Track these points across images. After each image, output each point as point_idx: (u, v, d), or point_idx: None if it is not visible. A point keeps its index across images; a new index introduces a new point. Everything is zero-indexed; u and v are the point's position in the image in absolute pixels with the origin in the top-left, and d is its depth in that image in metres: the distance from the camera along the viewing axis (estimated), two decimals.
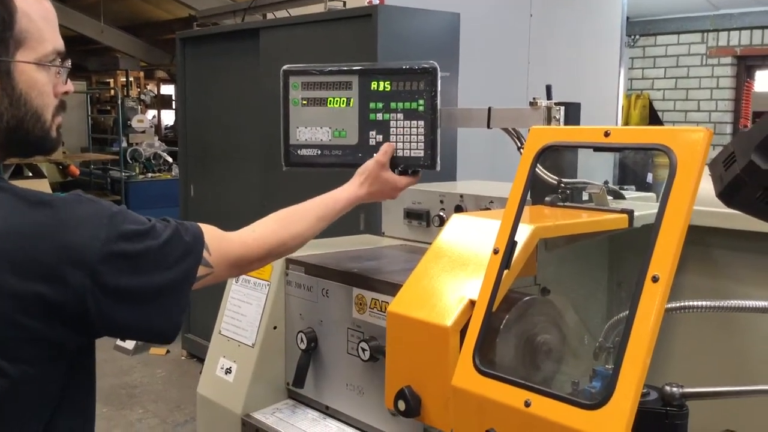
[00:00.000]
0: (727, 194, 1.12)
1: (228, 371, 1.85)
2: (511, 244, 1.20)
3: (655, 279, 1.00)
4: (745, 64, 8.65)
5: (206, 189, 5.33)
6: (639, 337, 0.99)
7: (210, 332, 1.97)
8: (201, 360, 5.11)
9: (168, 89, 14.59)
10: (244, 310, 1.87)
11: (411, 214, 2.06)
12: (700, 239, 1.65)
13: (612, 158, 6.53)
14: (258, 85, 4.87)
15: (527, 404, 1.07)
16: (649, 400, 1.09)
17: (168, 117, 14.43)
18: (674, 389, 1.09)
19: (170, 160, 8.83)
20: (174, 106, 13.30)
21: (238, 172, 5.12)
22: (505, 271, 1.20)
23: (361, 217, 4.17)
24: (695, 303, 1.14)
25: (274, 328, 1.82)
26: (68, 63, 1.23)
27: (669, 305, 1.09)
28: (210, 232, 1.34)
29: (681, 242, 1.01)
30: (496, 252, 1.22)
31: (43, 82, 1.19)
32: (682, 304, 1.14)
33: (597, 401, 1.01)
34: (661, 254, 1.00)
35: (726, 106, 8.49)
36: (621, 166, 7.07)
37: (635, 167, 6.84)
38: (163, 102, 14.42)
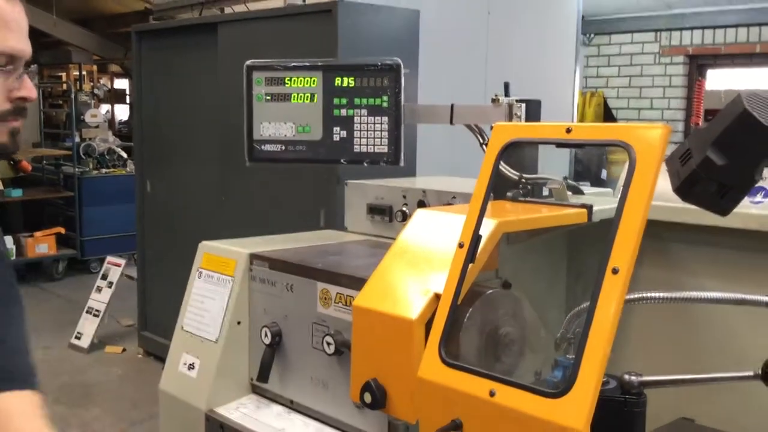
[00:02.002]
0: (684, 189, 1.16)
1: (191, 367, 1.84)
2: (476, 238, 1.22)
3: (615, 271, 1.04)
4: (697, 63, 8.86)
5: (163, 185, 5.27)
6: (600, 328, 1.02)
7: (167, 330, 1.96)
8: (158, 358, 5.05)
9: (122, 83, 14.35)
10: (208, 305, 1.86)
11: (374, 210, 2.07)
12: (657, 233, 1.70)
13: (568, 155, 6.63)
14: (216, 81, 4.83)
15: (492, 394, 1.10)
16: (609, 389, 1.13)
17: (122, 112, 14.19)
18: (633, 378, 1.13)
19: (125, 155, 8.68)
20: (128, 101, 13.08)
21: (196, 167, 5.08)
22: (470, 265, 1.23)
23: (321, 213, 4.18)
24: (653, 294, 1.18)
25: (238, 323, 1.82)
26: (32, 68, 1.20)
27: (628, 296, 1.13)
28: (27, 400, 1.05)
29: (640, 236, 1.04)
30: (461, 246, 1.24)
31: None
32: (641, 295, 1.18)
33: (559, 390, 1.04)
34: (621, 247, 1.03)
35: (678, 104, 8.68)
36: (576, 163, 7.19)
37: (590, 163, 6.97)
38: (116, 96, 14.18)
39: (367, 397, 1.35)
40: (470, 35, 5.14)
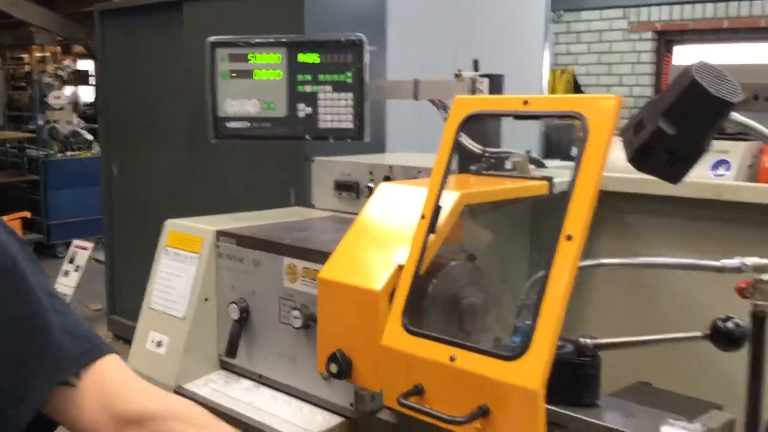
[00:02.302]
0: (637, 159, 1.20)
1: (159, 344, 1.85)
2: (437, 210, 1.25)
3: (569, 237, 1.07)
4: (665, 39, 8.96)
5: (130, 167, 5.22)
6: (554, 292, 1.06)
7: (136, 313, 1.96)
8: (127, 341, 5.00)
9: (86, 64, 14.11)
10: (175, 283, 1.87)
11: (341, 186, 2.09)
12: (614, 205, 1.74)
13: (537, 132, 6.69)
14: (182, 60, 4.78)
15: (452, 359, 1.13)
16: (565, 352, 1.17)
17: (86, 93, 13.97)
18: (588, 341, 1.16)
19: (90, 137, 8.57)
20: (92, 82, 12.86)
21: (163, 149, 5.04)
22: (432, 236, 1.25)
23: (291, 193, 4.18)
24: (606, 260, 1.22)
25: (206, 300, 1.83)
26: None
27: (582, 263, 1.16)
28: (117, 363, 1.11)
29: (593, 203, 1.07)
30: (423, 217, 1.27)
31: None
32: (595, 261, 1.22)
33: (516, 353, 1.07)
34: (575, 214, 1.07)
35: (647, 81, 8.78)
36: (546, 140, 7.25)
37: (560, 142, 7.04)
38: (80, 78, 13.95)
39: (333, 368, 1.38)
40: (439, 13, 5.14)
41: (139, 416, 1.07)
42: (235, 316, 1.75)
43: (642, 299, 1.64)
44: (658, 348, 1.52)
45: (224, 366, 1.85)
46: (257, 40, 1.79)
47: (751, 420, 1.28)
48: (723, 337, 1.13)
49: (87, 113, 9.91)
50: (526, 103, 1.21)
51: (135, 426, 1.07)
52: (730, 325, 1.14)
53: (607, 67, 9.04)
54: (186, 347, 1.81)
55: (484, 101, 1.41)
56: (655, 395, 1.37)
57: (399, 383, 1.20)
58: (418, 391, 1.17)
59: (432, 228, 1.24)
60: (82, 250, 5.67)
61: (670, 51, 8.81)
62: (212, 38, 1.81)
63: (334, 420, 1.58)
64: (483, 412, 1.09)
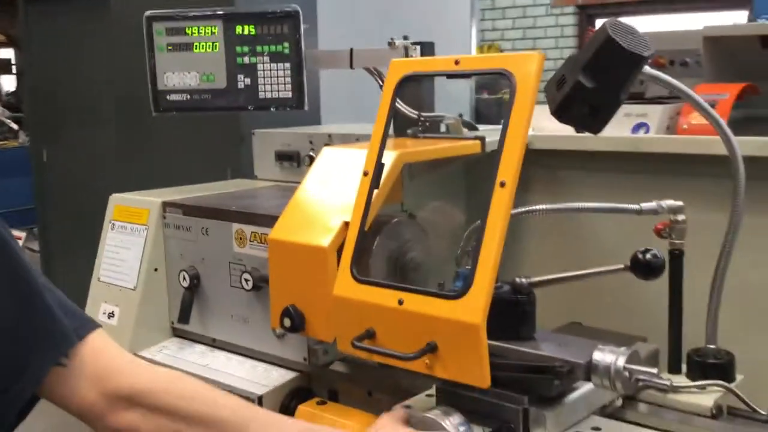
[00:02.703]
0: (560, 112, 1.30)
1: (111, 315, 1.88)
2: (379, 166, 1.32)
3: (502, 184, 1.16)
4: (586, 14, 9.22)
5: (60, 153, 5.13)
6: (491, 235, 1.15)
7: (74, 298, 1.97)
8: None
9: (7, 53, 13.61)
10: (123, 255, 1.90)
11: (282, 156, 2.15)
12: (543, 162, 1.85)
13: (468, 106, 6.84)
14: (109, 42, 4.70)
15: (400, 302, 1.22)
16: (503, 291, 1.26)
17: (8, 82, 13.50)
18: (523, 280, 1.26)
19: (15, 126, 8.33)
20: (14, 71, 12.44)
21: (94, 132, 4.96)
22: (375, 191, 1.33)
23: (227, 171, 4.19)
24: (536, 207, 1.33)
25: (155, 270, 1.87)
26: None
27: (514, 211, 1.26)
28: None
29: (523, 151, 1.17)
30: (365, 174, 1.34)
31: None
32: (525, 208, 1.32)
33: (458, 293, 1.16)
34: (507, 162, 1.16)
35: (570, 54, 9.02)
36: (476, 113, 7.41)
37: (489, 112, 7.21)
38: (2, 67, 13.46)
39: (287, 322, 1.45)
40: None
41: (128, 393, 1.09)
42: (186, 283, 1.80)
43: (570, 245, 1.76)
44: (587, 290, 1.65)
45: (177, 333, 1.90)
46: (194, 13, 1.82)
47: (673, 347, 1.42)
48: (643, 268, 1.25)
49: (10, 102, 9.61)
50: (457, 62, 1.29)
51: (125, 403, 1.08)
52: (648, 256, 1.26)
53: (532, 42, 9.25)
54: (138, 317, 1.85)
55: (419, 63, 1.50)
56: (585, 332, 1.48)
57: (351, 329, 1.28)
58: (369, 335, 1.26)
59: (375, 183, 1.32)
60: None
61: (592, 24, 9.07)
62: (149, 12, 1.84)
63: (289, 375, 1.65)
64: (431, 348, 1.18)
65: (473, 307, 1.14)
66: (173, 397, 1.12)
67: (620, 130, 2.16)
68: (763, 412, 1.32)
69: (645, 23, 8.71)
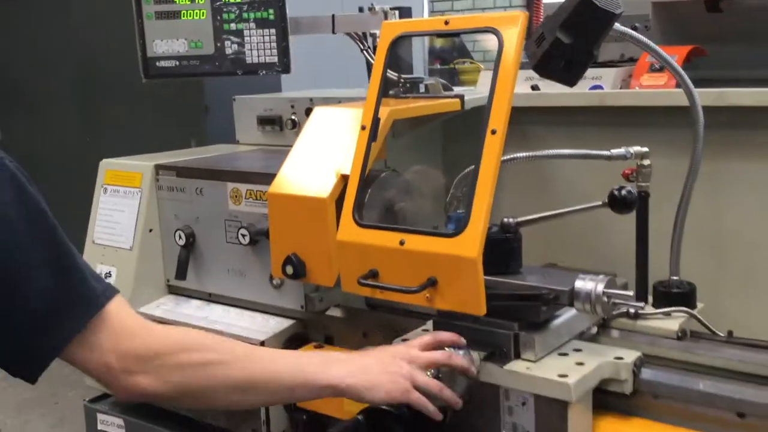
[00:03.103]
0: (540, 66, 1.43)
1: (108, 275, 1.96)
2: (376, 120, 1.43)
3: (493, 132, 1.28)
4: None
5: (18, 133, 5.08)
6: (485, 178, 1.27)
7: None
8: None
9: None
10: (117, 218, 1.98)
11: (264, 121, 2.23)
12: (517, 119, 1.98)
13: (423, 73, 6.92)
14: (67, 19, 4.67)
15: (402, 243, 1.34)
16: (492, 232, 1.39)
17: None
18: (510, 220, 1.40)
19: None
20: None
21: (53, 111, 4.94)
22: (373, 143, 1.44)
23: (192, 143, 4.23)
24: (519, 154, 1.46)
25: (150, 230, 1.95)
26: None
27: (503, 157, 1.38)
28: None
29: (510, 102, 1.29)
30: (363, 128, 1.45)
31: None
32: (511, 156, 1.45)
33: (456, 231, 1.28)
34: (497, 111, 1.28)
35: None
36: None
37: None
38: None
39: (289, 270, 1.56)
40: None
41: (144, 354, 1.15)
42: (182, 242, 1.89)
43: (547, 193, 1.91)
44: (560, 234, 1.80)
45: (172, 291, 1.99)
46: None
47: (640, 280, 1.57)
48: (619, 202, 1.40)
49: None
50: (447, 23, 1.41)
51: (141, 364, 1.15)
52: (624, 192, 1.40)
53: (480, 12, 9.38)
54: (136, 276, 1.93)
55: (410, 24, 1.60)
56: (561, 269, 1.63)
57: (355, 271, 1.40)
58: (373, 274, 1.37)
59: (373, 136, 1.43)
60: None
61: None
62: None
63: (287, 322, 1.76)
64: (432, 283, 1.30)
65: (470, 243, 1.26)
66: (190, 353, 1.19)
67: (576, 89, 2.32)
68: (721, 334, 1.49)
69: None
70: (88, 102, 4.65)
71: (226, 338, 1.36)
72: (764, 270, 1.68)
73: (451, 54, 8.48)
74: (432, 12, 9.43)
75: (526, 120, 1.98)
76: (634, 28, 3.49)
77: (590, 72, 2.69)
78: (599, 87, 2.57)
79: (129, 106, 4.49)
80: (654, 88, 2.34)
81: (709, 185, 1.69)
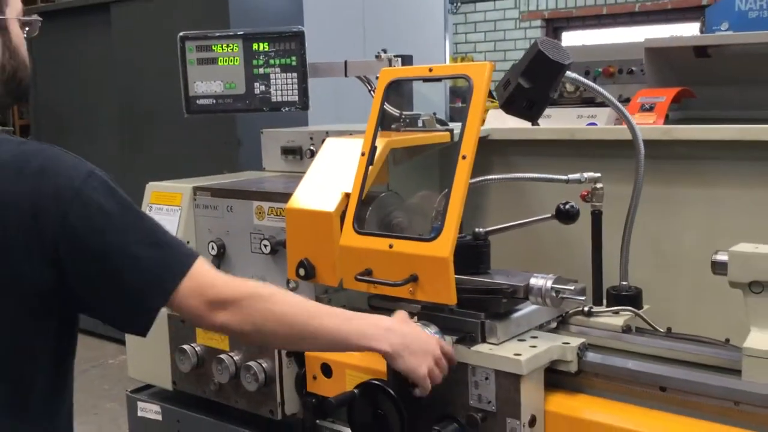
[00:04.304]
0: (506, 106, 1.75)
1: None
2: (373, 148, 1.76)
3: (464, 157, 1.60)
4: (553, 26, 9.76)
5: None
6: (456, 194, 1.59)
7: None
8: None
9: None
10: None
11: (287, 151, 2.57)
12: (500, 150, 2.31)
13: (443, 111, 7.30)
14: (112, 58, 5.10)
15: (390, 246, 1.65)
16: (466, 239, 1.71)
17: None
18: (480, 230, 1.71)
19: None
20: None
21: (95, 144, 5.35)
22: (370, 167, 1.77)
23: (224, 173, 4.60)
24: (490, 177, 1.78)
25: (188, 242, 2.29)
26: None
27: (473, 180, 1.70)
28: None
29: (479, 132, 1.61)
30: (363, 154, 1.78)
31: (22, 35, 1.52)
32: (482, 178, 1.77)
33: (433, 237, 1.60)
34: (468, 141, 1.60)
35: None
36: (450, 117, 7.88)
37: (461, 117, 7.66)
38: None
39: (302, 272, 1.88)
40: (349, 9, 5.66)
41: (224, 300, 1.42)
42: (214, 252, 2.22)
43: (520, 212, 2.22)
44: (529, 245, 2.10)
45: None
46: (218, 34, 2.26)
47: (595, 285, 1.87)
48: (564, 215, 1.70)
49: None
50: (431, 70, 1.74)
51: (221, 306, 1.41)
52: (567, 206, 1.71)
53: (502, 54, 9.78)
54: None
55: (402, 70, 1.95)
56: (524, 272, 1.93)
57: (353, 270, 1.72)
58: (368, 272, 1.69)
59: (371, 161, 1.76)
60: None
61: (558, 37, 9.62)
62: (182, 33, 2.27)
63: None
64: (413, 278, 1.62)
65: (443, 246, 1.58)
66: (262, 302, 1.47)
67: (574, 125, 2.63)
68: (661, 330, 1.78)
69: (607, 35, 9.26)
70: (126, 138, 5.05)
71: (291, 293, 1.62)
72: (704, 278, 1.96)
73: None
74: (455, 54, 9.84)
75: (508, 151, 2.31)
76: (631, 71, 3.83)
77: (587, 111, 3.03)
78: (594, 124, 2.89)
79: (164, 145, 4.89)
80: (644, 125, 2.65)
81: (659, 207, 1.99)
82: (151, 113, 4.97)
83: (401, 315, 1.62)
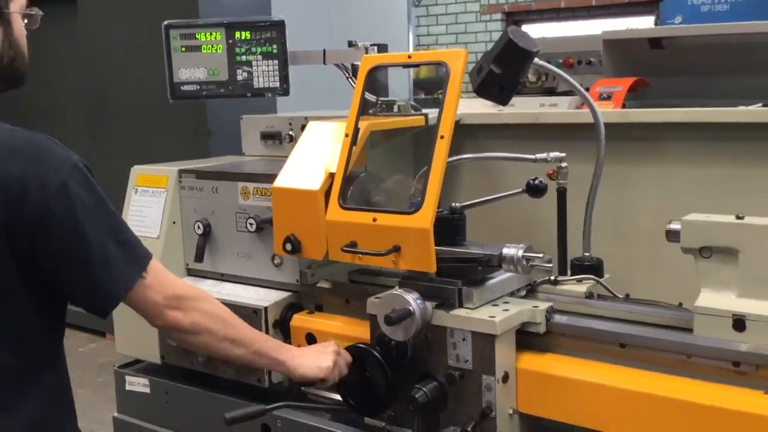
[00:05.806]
0: (480, 90, 1.89)
1: None
2: (356, 129, 1.89)
3: (442, 137, 1.74)
4: (513, 20, 9.97)
5: None
6: (435, 171, 1.73)
7: None
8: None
9: None
10: (146, 212, 2.42)
11: (266, 136, 2.67)
12: (472, 134, 2.45)
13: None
14: (77, 47, 5.11)
15: (374, 220, 1.79)
16: (444, 214, 1.84)
17: None
18: (457, 204, 1.85)
19: None
20: None
21: (61, 135, 5.36)
22: (354, 147, 1.90)
23: None
24: (464, 156, 1.92)
25: (173, 223, 2.39)
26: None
27: (450, 159, 1.84)
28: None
29: (455, 115, 1.75)
30: (347, 135, 1.91)
31: (23, 28, 1.66)
32: (458, 157, 1.90)
33: (414, 210, 1.73)
34: (445, 121, 1.74)
35: None
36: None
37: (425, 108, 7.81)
38: None
39: (288, 247, 2.00)
40: (314, 0, 5.75)
41: (178, 298, 1.66)
42: (200, 231, 2.33)
43: (491, 189, 2.37)
44: (500, 221, 2.25)
45: (191, 273, 2.42)
46: (201, 22, 2.36)
47: (561, 257, 2.03)
48: (533, 189, 1.86)
49: None
50: (409, 57, 1.88)
51: (175, 303, 1.66)
52: (537, 182, 1.86)
53: (464, 46, 9.95)
54: (162, 260, 2.35)
55: (383, 57, 2.07)
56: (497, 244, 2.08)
57: (339, 243, 1.85)
58: (353, 244, 1.82)
59: (354, 141, 1.88)
60: None
61: None
62: (166, 22, 2.36)
63: (285, 294, 2.20)
64: (396, 249, 1.75)
65: (424, 218, 1.71)
66: (206, 302, 1.74)
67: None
68: (620, 296, 1.94)
69: (564, 28, 9.50)
70: (96, 127, 5.08)
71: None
72: (659, 250, 2.12)
73: (437, 85, 8.98)
74: (418, 46, 9.99)
75: (479, 134, 2.45)
76: (589, 63, 4.01)
77: (549, 100, 3.18)
78: None
79: (133, 132, 4.92)
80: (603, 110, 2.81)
81: (618, 184, 2.16)
82: (120, 103, 5.01)
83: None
